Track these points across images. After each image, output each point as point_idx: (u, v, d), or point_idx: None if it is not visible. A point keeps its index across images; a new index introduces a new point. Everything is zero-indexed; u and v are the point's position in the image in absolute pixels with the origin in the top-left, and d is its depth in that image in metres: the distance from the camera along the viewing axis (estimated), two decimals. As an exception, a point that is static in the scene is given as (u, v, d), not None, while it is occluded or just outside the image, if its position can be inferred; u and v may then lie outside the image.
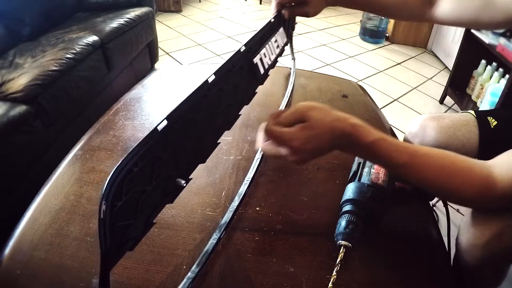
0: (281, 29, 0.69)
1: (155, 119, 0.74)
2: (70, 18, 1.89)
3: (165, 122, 0.32)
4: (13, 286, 0.43)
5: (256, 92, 0.56)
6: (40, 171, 1.10)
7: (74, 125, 1.35)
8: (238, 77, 0.49)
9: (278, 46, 0.66)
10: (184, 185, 0.36)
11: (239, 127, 0.73)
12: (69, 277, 0.43)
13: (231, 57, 0.46)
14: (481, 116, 0.70)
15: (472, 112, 0.71)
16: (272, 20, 0.65)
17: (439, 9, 0.66)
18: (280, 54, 0.67)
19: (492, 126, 0.68)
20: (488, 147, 0.68)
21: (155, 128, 0.31)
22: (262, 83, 0.58)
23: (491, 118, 0.69)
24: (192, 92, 0.37)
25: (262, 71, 0.57)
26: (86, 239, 0.48)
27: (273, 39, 0.63)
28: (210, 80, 0.39)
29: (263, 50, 0.58)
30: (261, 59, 0.57)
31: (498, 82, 1.67)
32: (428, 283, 0.45)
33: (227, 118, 0.47)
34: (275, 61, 0.64)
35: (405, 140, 0.87)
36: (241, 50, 0.49)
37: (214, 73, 0.41)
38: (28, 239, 0.48)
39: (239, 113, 0.51)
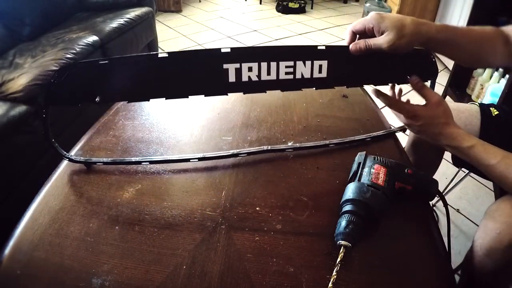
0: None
1: (155, 119, 0.74)
2: (70, 18, 1.89)
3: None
4: (13, 286, 0.43)
5: (227, 94, 0.53)
6: (40, 171, 1.10)
7: (74, 125, 1.35)
8: (201, 67, 0.50)
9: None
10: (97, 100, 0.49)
11: (239, 127, 0.73)
12: (69, 277, 0.43)
13: (205, 50, 0.49)
14: (484, 106, 0.74)
15: (476, 103, 0.76)
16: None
17: None
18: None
19: (493, 115, 0.72)
20: (488, 133, 0.70)
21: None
22: (229, 91, 0.52)
23: (493, 109, 0.73)
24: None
25: (232, 79, 0.51)
26: (86, 239, 0.48)
27: (285, 63, 0.52)
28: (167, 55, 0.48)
29: (255, 65, 0.50)
30: (238, 69, 0.50)
31: (498, 82, 1.67)
32: (428, 283, 0.45)
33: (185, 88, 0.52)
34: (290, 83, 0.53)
35: None
36: (221, 51, 0.49)
37: (179, 53, 0.49)
38: (28, 239, 0.48)
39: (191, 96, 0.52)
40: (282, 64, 0.51)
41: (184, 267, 0.45)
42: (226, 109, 0.78)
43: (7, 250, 0.46)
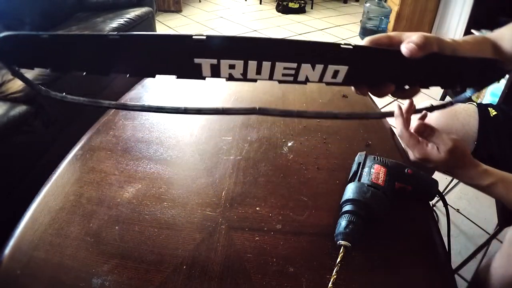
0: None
1: (155, 119, 0.74)
2: (70, 18, 1.89)
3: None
4: (13, 286, 0.43)
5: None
6: (40, 171, 1.10)
7: (74, 125, 1.35)
8: (166, 54, 0.36)
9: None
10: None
11: (239, 127, 0.73)
12: (69, 277, 0.43)
13: (171, 36, 0.35)
14: (482, 106, 0.74)
15: (474, 103, 0.76)
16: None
17: None
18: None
19: (491, 115, 0.72)
20: (486, 134, 0.71)
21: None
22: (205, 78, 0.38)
23: (492, 109, 0.73)
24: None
25: (207, 74, 0.37)
26: (86, 239, 0.48)
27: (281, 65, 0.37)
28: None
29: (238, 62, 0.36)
30: (215, 65, 0.36)
31: (498, 82, 1.67)
32: (428, 283, 0.45)
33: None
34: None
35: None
36: (192, 37, 0.33)
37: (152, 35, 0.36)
38: (28, 239, 0.48)
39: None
40: (280, 65, 0.36)
41: (184, 267, 0.45)
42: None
43: (7, 250, 0.46)
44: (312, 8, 4.35)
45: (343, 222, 0.47)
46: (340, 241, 0.45)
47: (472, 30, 1.81)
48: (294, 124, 0.74)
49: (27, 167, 1.12)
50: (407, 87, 0.41)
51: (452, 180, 1.28)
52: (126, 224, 0.50)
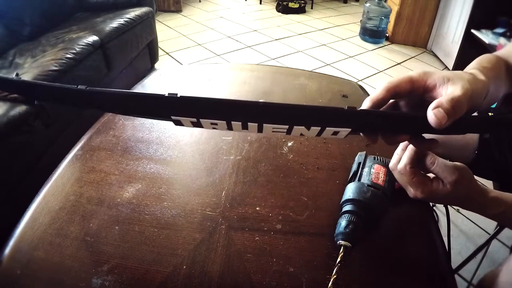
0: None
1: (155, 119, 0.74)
2: (70, 18, 1.89)
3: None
4: (13, 286, 0.43)
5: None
6: (40, 171, 1.10)
7: (74, 125, 1.35)
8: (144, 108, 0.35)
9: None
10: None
11: (239, 127, 0.73)
12: (69, 277, 0.43)
13: (146, 96, 0.33)
14: (482, 112, 0.72)
15: None
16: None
17: None
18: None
19: None
20: (487, 141, 0.70)
21: None
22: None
23: (491, 114, 0.72)
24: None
25: (189, 125, 0.35)
26: (86, 239, 0.48)
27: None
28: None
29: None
30: (196, 122, 0.34)
31: None
32: (428, 283, 0.45)
33: None
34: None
35: None
36: (165, 96, 0.31)
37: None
38: (28, 239, 0.48)
39: None
40: (268, 127, 0.33)
41: (184, 267, 0.45)
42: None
43: (7, 250, 0.46)
44: (312, 8, 4.35)
45: (343, 222, 0.47)
46: (340, 241, 0.45)
47: (472, 30, 1.81)
48: (294, 124, 0.74)
49: (27, 167, 1.12)
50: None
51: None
52: (126, 224, 0.50)
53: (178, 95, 0.30)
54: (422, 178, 0.48)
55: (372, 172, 0.52)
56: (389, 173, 0.53)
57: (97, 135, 0.69)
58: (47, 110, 1.17)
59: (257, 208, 0.53)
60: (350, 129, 0.32)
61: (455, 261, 0.87)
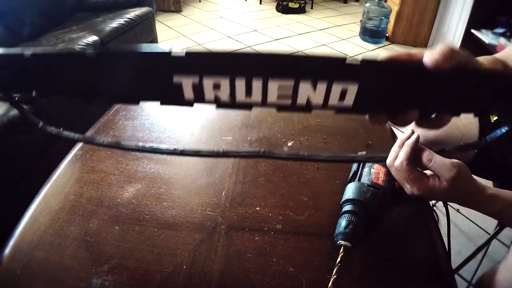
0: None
1: (155, 119, 0.74)
2: (70, 18, 1.89)
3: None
4: (13, 286, 0.43)
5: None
6: (40, 171, 1.10)
7: (74, 125, 1.35)
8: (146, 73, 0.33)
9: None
10: None
11: (239, 127, 0.73)
12: (69, 277, 0.43)
13: (147, 54, 0.31)
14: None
15: None
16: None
17: None
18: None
19: (492, 121, 0.70)
20: (487, 141, 0.69)
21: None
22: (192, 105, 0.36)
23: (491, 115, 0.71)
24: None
25: (189, 96, 0.34)
26: (86, 239, 0.48)
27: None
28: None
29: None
30: (197, 86, 0.32)
31: None
32: (428, 283, 0.45)
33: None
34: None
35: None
36: (171, 55, 0.29)
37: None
38: (28, 239, 0.48)
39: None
40: (274, 85, 0.30)
41: (184, 267, 0.45)
42: (226, 110, 0.78)
43: (7, 250, 0.46)
44: (312, 8, 4.35)
45: (343, 222, 0.47)
46: (340, 241, 0.45)
47: (472, 30, 1.81)
48: (294, 124, 0.74)
49: (27, 167, 1.12)
50: (433, 116, 0.35)
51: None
52: (126, 224, 0.50)
53: (184, 53, 0.30)
54: (419, 175, 0.48)
55: (372, 172, 0.52)
56: (389, 173, 0.52)
57: (97, 135, 0.69)
58: (47, 110, 1.17)
59: (257, 208, 0.53)
60: (357, 85, 0.30)
61: (455, 261, 0.87)
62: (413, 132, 0.51)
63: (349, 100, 0.31)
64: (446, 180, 0.46)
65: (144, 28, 1.99)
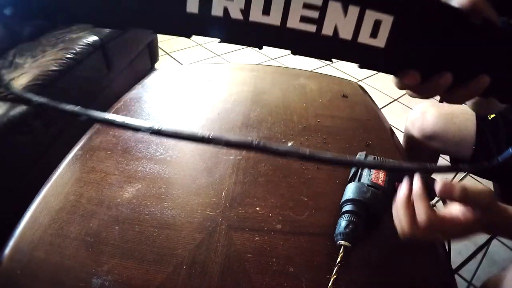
0: None
1: (155, 119, 0.74)
2: (70, 18, 1.89)
3: None
4: (13, 286, 0.43)
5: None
6: (40, 171, 1.10)
7: (74, 125, 1.35)
8: None
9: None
10: None
11: (239, 127, 0.73)
12: (69, 277, 0.43)
13: None
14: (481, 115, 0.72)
15: None
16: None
17: None
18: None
19: (489, 118, 0.70)
20: (485, 137, 0.69)
21: None
22: (193, 32, 0.28)
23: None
24: None
25: (193, 9, 0.26)
26: (86, 239, 0.48)
27: None
28: None
29: None
30: None
31: None
32: (428, 283, 0.45)
33: None
34: None
35: (406, 127, 0.89)
36: None
37: None
38: (28, 239, 0.48)
39: None
40: (297, 7, 0.25)
41: (184, 267, 0.45)
42: (226, 109, 0.78)
43: (7, 250, 0.46)
44: None
45: (343, 222, 0.47)
46: (340, 241, 0.45)
47: (472, 30, 1.82)
48: (294, 124, 0.74)
49: (27, 167, 1.12)
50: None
51: (452, 180, 1.28)
52: (126, 224, 0.50)
53: None
54: (451, 217, 0.39)
55: (372, 172, 0.52)
56: (389, 173, 0.52)
57: (97, 135, 0.69)
58: (47, 110, 1.17)
59: (257, 208, 0.53)
60: (392, 18, 0.25)
61: (455, 261, 0.87)
62: (410, 185, 0.43)
63: (382, 38, 0.25)
64: (482, 206, 0.37)
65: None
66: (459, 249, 1.17)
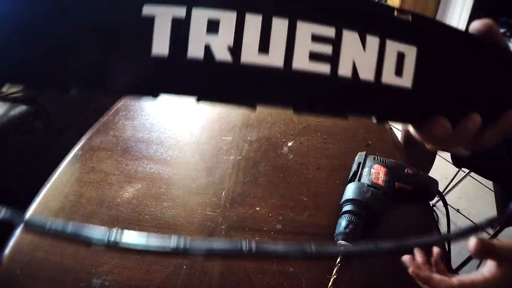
0: None
1: (155, 119, 0.74)
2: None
3: None
4: (13, 286, 0.43)
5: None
6: (40, 171, 1.10)
7: (74, 125, 1.35)
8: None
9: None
10: None
11: (239, 127, 0.73)
12: (69, 277, 0.43)
13: None
14: None
15: None
16: None
17: None
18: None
19: None
20: None
21: None
22: (158, 90, 0.21)
23: None
24: None
25: (162, 50, 0.18)
26: (86, 239, 0.48)
27: None
28: None
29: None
30: (181, 22, 0.18)
31: None
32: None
33: None
34: None
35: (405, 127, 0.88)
36: None
37: None
38: (28, 239, 0.48)
39: None
40: (305, 30, 0.18)
41: (184, 267, 0.45)
42: (226, 109, 0.78)
43: (7, 250, 0.46)
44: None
45: (343, 222, 0.47)
46: (340, 241, 0.45)
47: (472, 30, 1.81)
48: (294, 124, 0.74)
49: (27, 167, 1.12)
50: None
51: (452, 180, 1.28)
52: (126, 224, 0.50)
53: None
54: (470, 281, 0.36)
55: (372, 172, 0.52)
56: (389, 173, 0.53)
57: (97, 135, 0.69)
58: (47, 110, 1.17)
59: (257, 208, 0.53)
60: (415, 49, 0.20)
61: (455, 261, 0.87)
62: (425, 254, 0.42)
63: (408, 76, 0.20)
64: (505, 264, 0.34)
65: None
66: (459, 249, 1.17)
